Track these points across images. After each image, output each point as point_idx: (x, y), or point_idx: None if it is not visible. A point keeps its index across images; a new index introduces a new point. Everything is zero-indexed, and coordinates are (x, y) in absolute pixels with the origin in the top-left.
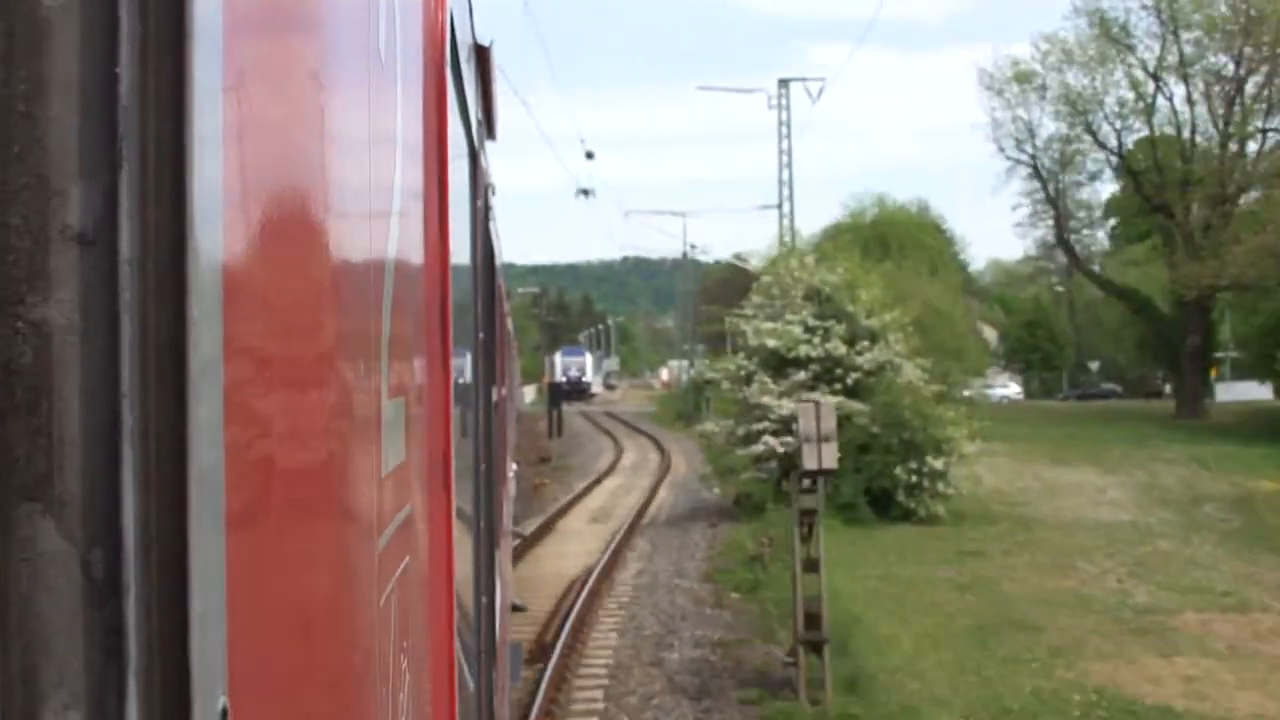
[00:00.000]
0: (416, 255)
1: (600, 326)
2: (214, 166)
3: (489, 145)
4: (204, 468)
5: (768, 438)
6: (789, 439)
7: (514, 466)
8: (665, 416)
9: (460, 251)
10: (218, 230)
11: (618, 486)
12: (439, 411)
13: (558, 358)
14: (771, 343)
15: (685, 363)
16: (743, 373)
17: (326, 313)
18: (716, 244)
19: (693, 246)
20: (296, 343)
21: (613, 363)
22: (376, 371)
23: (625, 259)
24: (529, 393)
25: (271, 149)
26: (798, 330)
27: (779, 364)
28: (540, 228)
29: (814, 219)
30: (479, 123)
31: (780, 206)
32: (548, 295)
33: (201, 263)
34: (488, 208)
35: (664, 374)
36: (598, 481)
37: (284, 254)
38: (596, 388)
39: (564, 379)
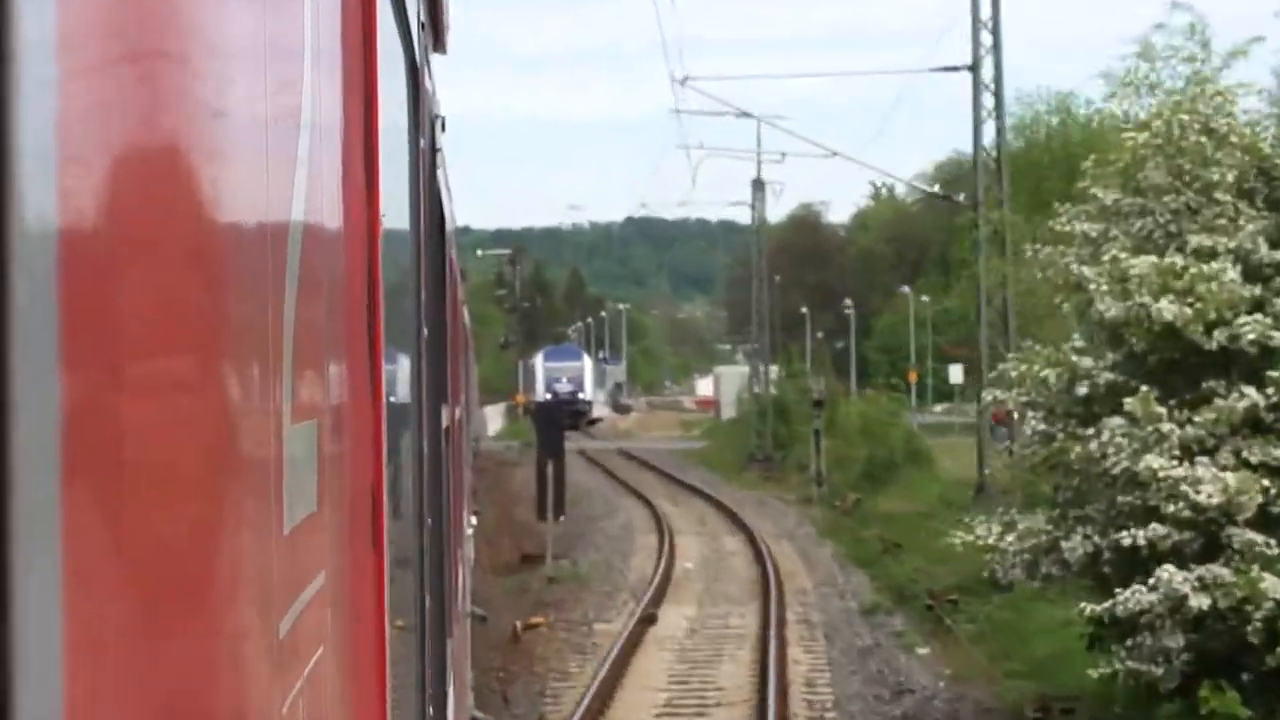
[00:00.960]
0: (333, 218)
1: (590, 320)
2: (44, 98)
3: (437, 61)
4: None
5: (1166, 571)
6: (1224, 575)
7: (473, 521)
8: (722, 459)
9: (396, 213)
10: (49, 183)
11: (684, 637)
12: (366, 441)
13: (539, 363)
14: (1167, 310)
15: (742, 369)
16: (1077, 385)
17: (202, 301)
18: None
19: (758, 191)
20: (157, 342)
21: (619, 370)
22: (275, 384)
23: (628, 220)
24: (492, 416)
25: (121, 69)
26: (1232, 278)
27: (1173, 364)
28: (509, 172)
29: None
30: (422, 27)
31: (974, 68)
32: (520, 267)
33: (29, 228)
34: (435, 149)
35: (701, 388)
36: (642, 624)
37: (140, 218)
38: (600, 409)
39: (549, 394)
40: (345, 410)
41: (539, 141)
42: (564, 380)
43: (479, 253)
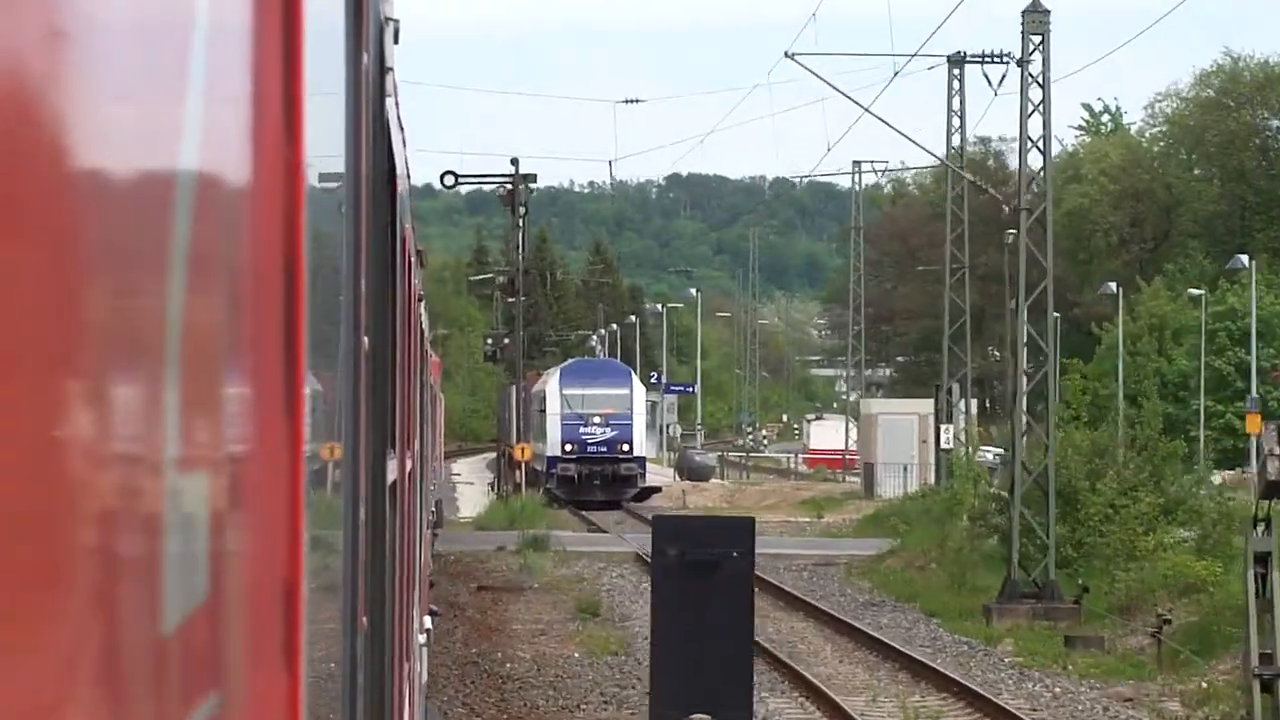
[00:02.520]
0: (237, 172)
1: (621, 322)
2: None
3: None
4: None
5: None
6: None
7: (428, 623)
8: (931, 584)
9: (326, 164)
10: None
11: None
12: (278, 502)
13: (553, 390)
14: None
15: (917, 408)
16: None
17: (38, 293)
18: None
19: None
20: None
21: (666, 407)
22: (151, 416)
23: (672, 180)
24: (468, 478)
25: None
26: None
27: None
28: (497, 105)
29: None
30: None
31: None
32: (521, 231)
33: None
34: (384, 70)
35: (817, 436)
36: None
37: None
38: (660, 474)
39: (569, 447)
40: (250, 457)
41: (541, 59)
42: (598, 421)
43: (441, 228)
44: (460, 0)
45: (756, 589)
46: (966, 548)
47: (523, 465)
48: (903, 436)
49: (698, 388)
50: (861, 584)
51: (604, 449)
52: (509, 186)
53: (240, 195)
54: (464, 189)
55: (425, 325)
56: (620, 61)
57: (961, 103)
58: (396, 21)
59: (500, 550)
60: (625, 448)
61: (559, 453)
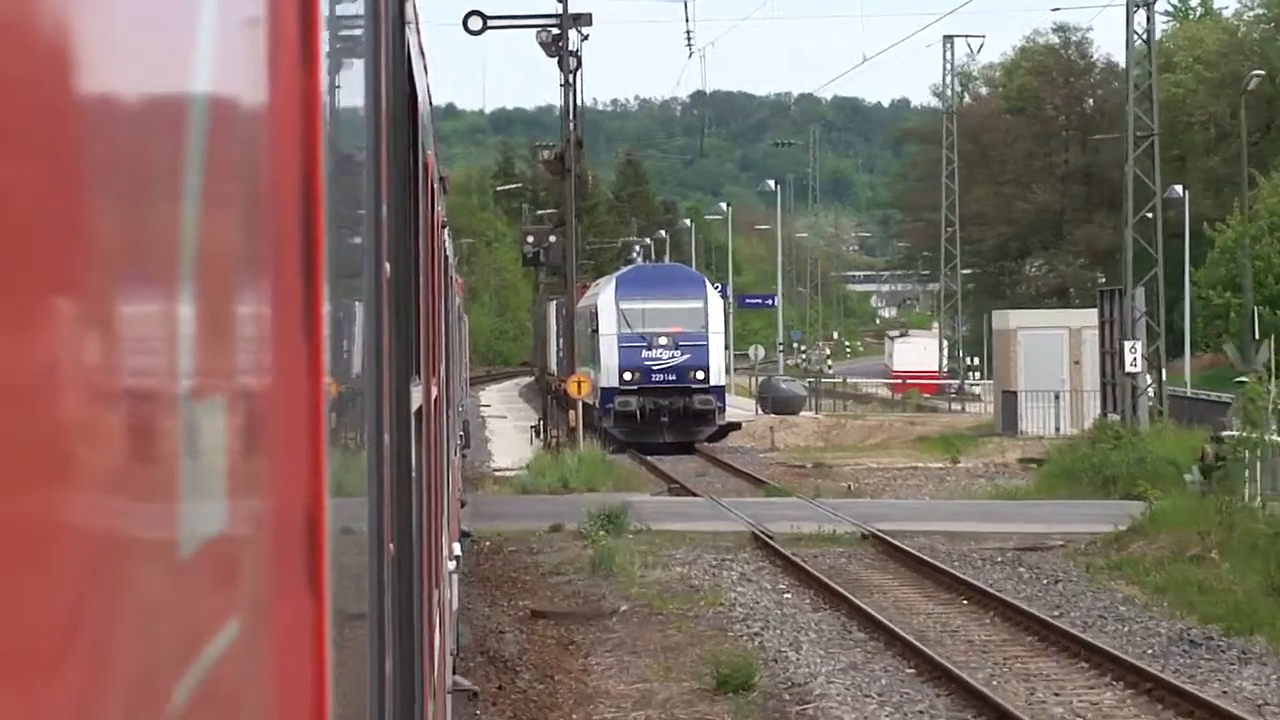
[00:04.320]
0: (253, 94)
1: (659, 235)
2: None
3: None
4: None
5: None
6: None
7: (457, 550)
8: (1221, 579)
9: (346, 86)
10: None
11: None
12: (299, 428)
13: (608, 303)
14: None
15: (1076, 319)
16: None
17: (51, 213)
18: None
19: None
20: None
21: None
22: (165, 339)
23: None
24: (496, 407)
25: None
26: None
27: None
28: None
29: None
30: None
31: None
32: (540, 154)
33: None
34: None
35: (901, 354)
36: None
37: None
38: (738, 406)
39: (631, 373)
40: (269, 382)
41: None
42: (665, 343)
43: (463, 147)
44: None
45: (963, 601)
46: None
47: (579, 405)
48: (1050, 357)
49: (778, 299)
50: (1116, 586)
51: (673, 377)
52: (554, 30)
53: (256, 119)
54: (485, 108)
55: (449, 252)
56: None
57: None
58: None
59: (555, 531)
60: (700, 375)
61: (616, 383)
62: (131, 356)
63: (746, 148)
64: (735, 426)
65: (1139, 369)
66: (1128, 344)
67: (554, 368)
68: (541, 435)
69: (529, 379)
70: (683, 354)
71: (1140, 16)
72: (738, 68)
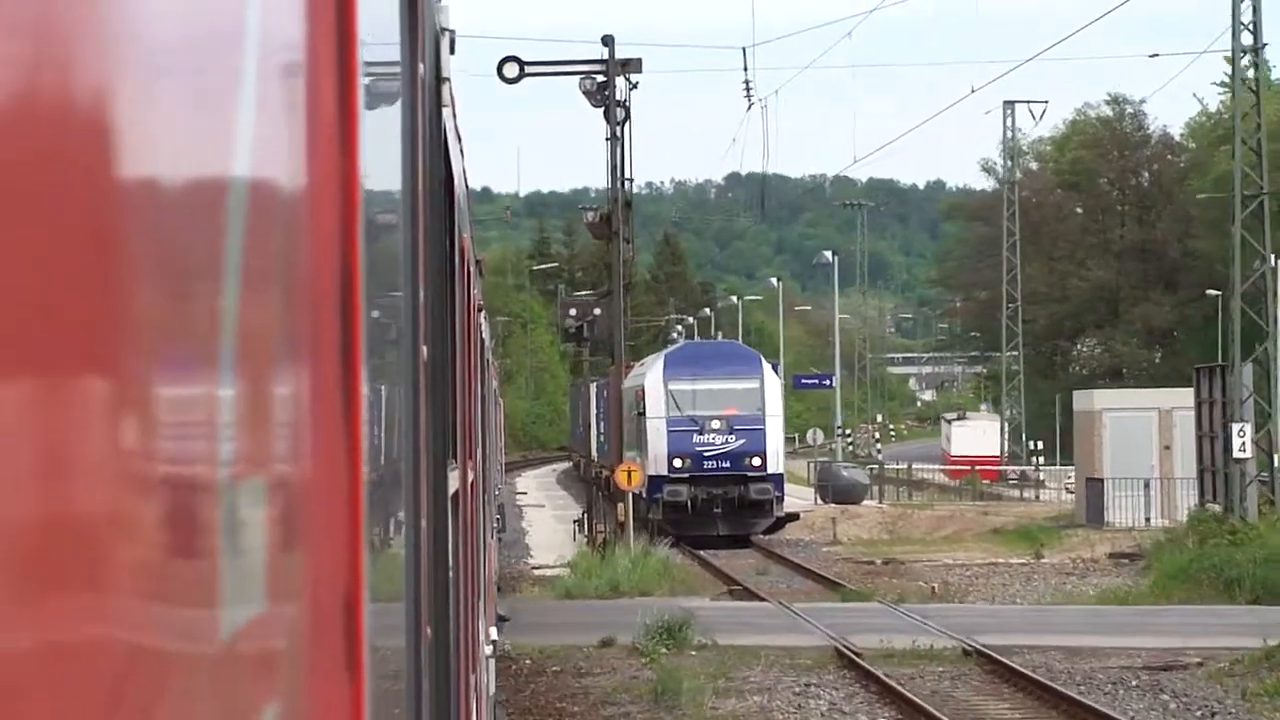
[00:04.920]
0: (292, 180)
1: (703, 313)
2: None
3: None
4: None
5: None
6: None
7: (494, 634)
8: None
9: (383, 172)
10: None
11: None
12: (338, 511)
13: (656, 384)
14: None
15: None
16: None
17: (96, 299)
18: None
19: None
20: (22, 357)
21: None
22: (206, 421)
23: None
24: (533, 494)
25: None
26: None
27: None
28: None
29: None
30: None
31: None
32: (585, 216)
33: None
34: (441, 80)
35: (959, 439)
36: None
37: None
38: (794, 495)
39: (682, 460)
40: (309, 466)
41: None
42: (719, 427)
43: (505, 218)
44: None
45: None
46: None
47: (628, 498)
48: (1139, 441)
49: (836, 379)
50: None
51: (727, 464)
52: (599, 78)
53: (296, 206)
54: (519, 191)
55: (485, 334)
56: None
57: None
58: (452, 32)
59: (606, 646)
60: (756, 462)
61: (665, 470)
62: (177, 439)
63: (781, 230)
64: (794, 517)
65: (1248, 455)
66: (1235, 426)
67: (596, 454)
68: (586, 530)
69: (566, 463)
70: (738, 439)
71: (1245, 61)
72: (772, 147)
